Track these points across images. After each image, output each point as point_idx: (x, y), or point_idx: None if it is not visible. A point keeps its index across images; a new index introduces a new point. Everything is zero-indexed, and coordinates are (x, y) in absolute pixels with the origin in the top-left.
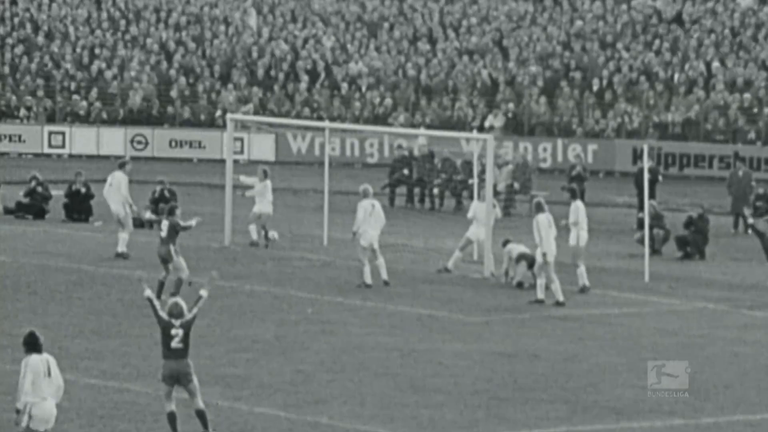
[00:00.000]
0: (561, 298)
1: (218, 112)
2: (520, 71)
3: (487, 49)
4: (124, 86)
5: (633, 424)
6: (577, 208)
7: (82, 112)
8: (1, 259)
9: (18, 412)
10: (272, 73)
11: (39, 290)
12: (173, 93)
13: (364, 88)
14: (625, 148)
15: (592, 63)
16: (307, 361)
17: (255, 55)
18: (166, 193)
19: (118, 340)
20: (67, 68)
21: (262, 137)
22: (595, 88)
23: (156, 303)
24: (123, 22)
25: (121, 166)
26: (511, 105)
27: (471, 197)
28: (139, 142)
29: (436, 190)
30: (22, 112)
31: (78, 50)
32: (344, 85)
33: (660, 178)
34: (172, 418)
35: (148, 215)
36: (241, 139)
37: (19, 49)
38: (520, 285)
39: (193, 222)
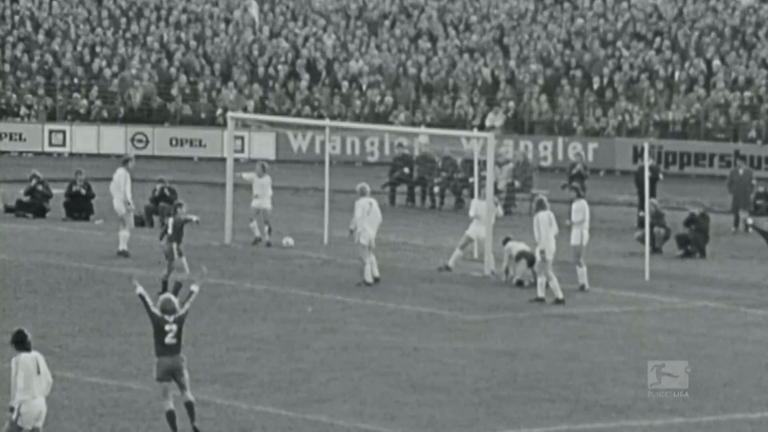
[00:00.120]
0: (560, 296)
1: (219, 111)
2: (521, 69)
3: (487, 48)
4: (124, 84)
5: (633, 422)
6: (583, 207)
7: (82, 111)
8: (1, 258)
9: (12, 410)
10: (272, 71)
11: (39, 288)
12: (174, 91)
13: (364, 87)
14: (625, 146)
15: (592, 61)
16: (307, 360)
17: (255, 53)
18: (167, 192)
19: (119, 339)
20: (67, 66)
21: (262, 135)
22: (596, 86)
23: (148, 300)
24: (123, 21)
25: (124, 163)
26: (511, 103)
27: (471, 195)
28: (140, 141)
29: (436, 189)
30: (23, 110)
31: (78, 48)
32: (345, 84)
33: (660, 176)
34: (171, 416)
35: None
36: (242, 138)
37: (19, 48)
38: (520, 283)
39: (195, 217)
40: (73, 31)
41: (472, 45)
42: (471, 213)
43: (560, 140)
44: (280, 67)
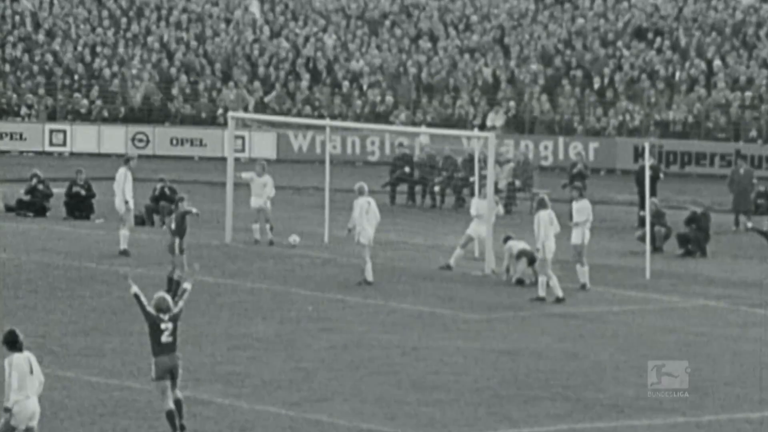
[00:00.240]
0: (560, 294)
1: (219, 110)
2: (522, 69)
3: (488, 47)
4: (124, 84)
5: (634, 421)
6: (586, 206)
7: (83, 110)
8: (2, 257)
9: (7, 410)
10: (273, 70)
11: (40, 288)
12: (174, 91)
13: (365, 86)
14: (626, 146)
15: (593, 61)
16: (307, 359)
17: (256, 53)
18: (167, 191)
19: (119, 338)
20: (68, 66)
21: (263, 135)
22: (597, 86)
23: (143, 299)
24: (124, 20)
25: (126, 162)
26: (512, 103)
27: (472, 195)
28: (140, 140)
29: (437, 188)
30: (23, 110)
31: (79, 48)
32: (345, 84)
33: (661, 175)
34: (171, 415)
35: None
36: (242, 137)
37: (20, 47)
38: (520, 282)
39: (195, 209)
40: (73, 30)
41: (472, 45)
42: (472, 212)
43: (561, 140)
44: (280, 65)
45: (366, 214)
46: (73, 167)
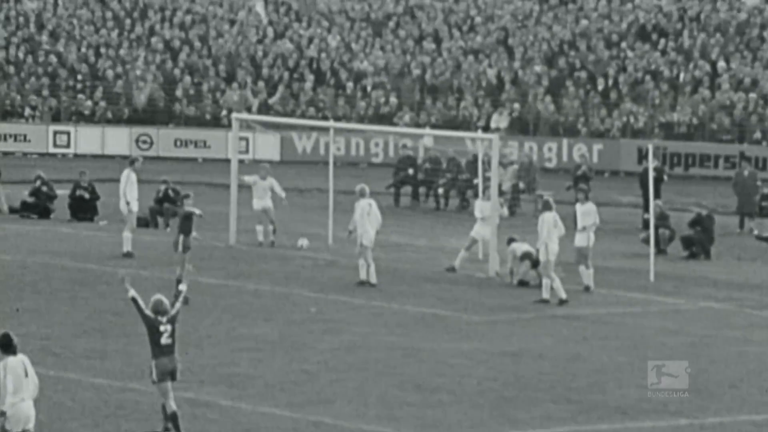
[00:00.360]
0: (563, 296)
1: (223, 112)
2: (526, 70)
3: (492, 49)
4: (128, 85)
5: (638, 423)
6: (592, 209)
7: (87, 112)
8: (5, 258)
9: (2, 414)
10: (276, 72)
11: (43, 289)
12: (178, 92)
13: (369, 88)
14: (630, 147)
15: (597, 62)
16: (311, 361)
17: (260, 54)
18: (170, 193)
19: (123, 340)
20: (72, 67)
21: (267, 137)
22: (601, 87)
23: (141, 302)
24: (128, 22)
25: (131, 163)
26: (516, 104)
27: (476, 196)
28: (144, 142)
29: (441, 190)
30: (27, 111)
31: (83, 49)
32: (349, 85)
33: (665, 177)
34: (174, 417)
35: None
36: (246, 139)
37: (23, 49)
38: (523, 283)
39: (198, 210)
40: (77, 32)
41: (476, 46)
42: (476, 214)
43: (565, 141)
44: (283, 66)
45: (367, 216)
46: (76, 169)
